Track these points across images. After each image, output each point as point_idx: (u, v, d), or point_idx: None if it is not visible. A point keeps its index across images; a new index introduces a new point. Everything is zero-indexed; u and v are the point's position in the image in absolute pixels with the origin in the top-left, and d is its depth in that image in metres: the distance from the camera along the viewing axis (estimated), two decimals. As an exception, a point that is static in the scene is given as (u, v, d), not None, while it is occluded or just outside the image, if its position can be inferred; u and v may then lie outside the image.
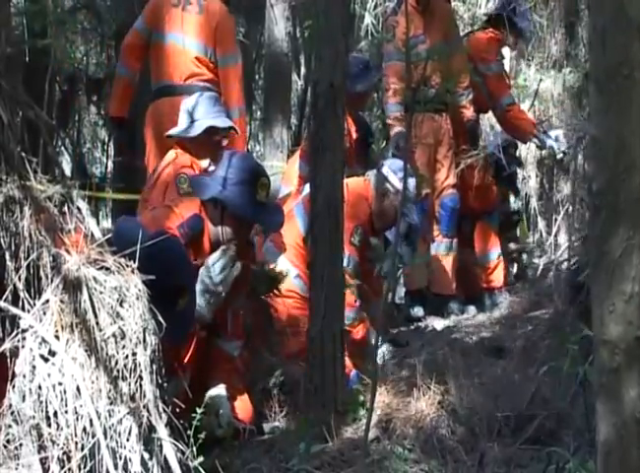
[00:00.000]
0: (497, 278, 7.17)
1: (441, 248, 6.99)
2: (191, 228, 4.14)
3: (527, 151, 9.06)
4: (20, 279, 2.80)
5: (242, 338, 4.41)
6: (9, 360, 2.72)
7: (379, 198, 5.55)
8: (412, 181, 5.50)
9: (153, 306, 2.98)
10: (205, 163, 5.18)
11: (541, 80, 8.14)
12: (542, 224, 9.70)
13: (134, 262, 2.91)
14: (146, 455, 2.70)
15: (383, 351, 5.42)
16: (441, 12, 7.01)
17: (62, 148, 11.23)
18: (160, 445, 2.74)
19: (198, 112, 5.24)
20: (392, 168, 5.59)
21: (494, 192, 7.31)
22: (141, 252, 3.04)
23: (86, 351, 2.72)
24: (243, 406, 4.23)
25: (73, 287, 2.77)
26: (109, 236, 3.19)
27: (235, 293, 4.36)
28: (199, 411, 3.25)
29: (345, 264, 5.04)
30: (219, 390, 4.11)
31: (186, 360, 3.97)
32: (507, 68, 8.67)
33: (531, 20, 7.45)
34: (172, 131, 5.28)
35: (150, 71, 6.15)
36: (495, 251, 7.22)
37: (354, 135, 6.63)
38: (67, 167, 11.30)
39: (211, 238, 4.20)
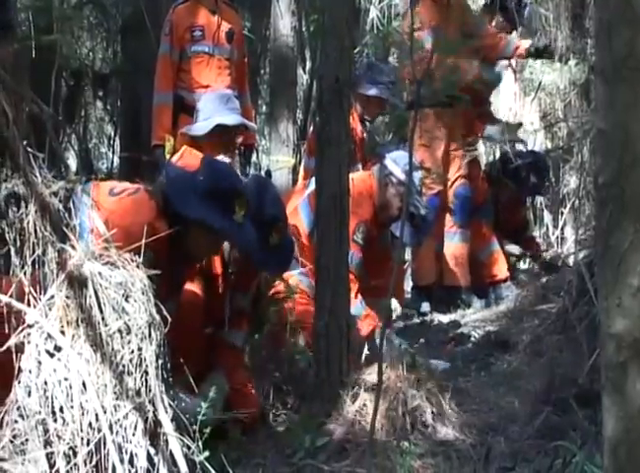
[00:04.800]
0: (500, 270, 7.15)
1: (456, 239, 6.96)
2: None
3: (533, 144, 9.04)
4: (25, 274, 2.80)
5: (246, 328, 4.41)
6: (15, 355, 2.72)
7: (382, 189, 5.54)
8: (416, 174, 5.49)
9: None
10: None
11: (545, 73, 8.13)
12: (548, 217, 9.69)
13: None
14: (152, 450, 2.71)
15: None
16: (458, 1, 6.99)
17: (68, 143, 11.22)
18: (166, 440, 2.74)
19: (208, 110, 5.21)
20: (395, 160, 5.58)
21: (485, 186, 7.31)
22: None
23: (91, 346, 2.72)
24: (248, 399, 4.22)
25: (78, 282, 2.77)
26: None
27: (241, 293, 4.35)
28: (204, 405, 3.25)
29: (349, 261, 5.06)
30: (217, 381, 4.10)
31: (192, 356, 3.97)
32: (513, 61, 8.64)
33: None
34: (185, 129, 5.25)
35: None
36: (493, 245, 7.20)
37: (360, 134, 6.63)
38: (73, 162, 11.30)
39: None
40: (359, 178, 5.47)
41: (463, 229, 6.97)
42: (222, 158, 4.99)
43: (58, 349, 2.71)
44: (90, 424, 2.65)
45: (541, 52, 7.13)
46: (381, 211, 5.56)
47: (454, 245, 6.95)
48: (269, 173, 6.22)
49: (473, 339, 5.74)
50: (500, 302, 6.90)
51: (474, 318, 6.48)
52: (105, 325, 2.75)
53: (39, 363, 2.70)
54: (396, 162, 5.55)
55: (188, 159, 5.04)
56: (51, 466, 2.63)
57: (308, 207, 5.34)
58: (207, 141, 5.09)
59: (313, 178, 4.96)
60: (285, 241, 4.24)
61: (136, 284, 2.83)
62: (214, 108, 5.19)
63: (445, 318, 6.50)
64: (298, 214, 5.40)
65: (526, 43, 7.05)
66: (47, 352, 2.71)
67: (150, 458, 2.70)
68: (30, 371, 2.69)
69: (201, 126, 5.14)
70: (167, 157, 5.89)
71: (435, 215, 6.65)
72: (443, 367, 5.01)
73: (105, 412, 2.66)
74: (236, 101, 5.41)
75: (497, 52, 7.05)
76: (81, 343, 2.72)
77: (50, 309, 2.76)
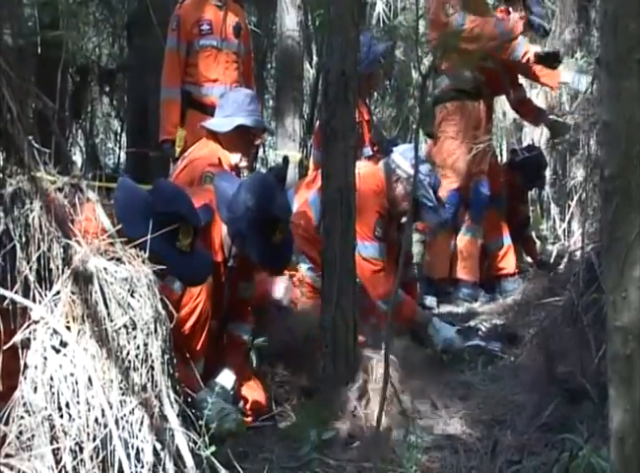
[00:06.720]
0: (508, 264, 7.13)
1: (470, 234, 6.95)
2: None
3: (539, 136, 9.02)
4: (30, 270, 2.80)
5: (251, 320, 4.39)
6: (20, 351, 2.72)
7: (391, 185, 5.53)
8: (424, 167, 5.48)
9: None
10: (235, 158, 5.16)
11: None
12: (555, 210, 9.67)
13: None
14: (158, 445, 2.70)
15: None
16: None
17: (75, 139, 11.26)
18: (172, 435, 2.74)
19: (230, 108, 5.21)
20: (402, 154, 5.57)
21: (502, 178, 7.29)
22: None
23: (97, 342, 2.72)
24: (255, 392, 4.22)
25: (84, 278, 2.76)
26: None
27: (244, 283, 4.32)
28: (210, 401, 3.25)
29: (377, 255, 5.15)
30: (226, 378, 4.09)
31: (198, 348, 3.96)
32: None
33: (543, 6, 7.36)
34: (206, 123, 5.28)
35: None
36: (505, 238, 7.18)
37: (367, 117, 6.62)
38: (80, 158, 11.33)
39: (221, 235, 4.13)
40: (369, 173, 5.44)
41: (476, 224, 6.96)
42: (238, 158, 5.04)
43: (64, 345, 2.71)
44: (96, 419, 2.64)
45: (550, 58, 7.00)
46: (391, 206, 5.55)
47: (465, 239, 6.94)
48: (286, 161, 6.21)
49: (480, 332, 5.74)
50: (507, 295, 6.89)
51: (481, 311, 6.47)
52: (111, 321, 2.74)
53: (45, 359, 2.69)
54: (403, 155, 5.54)
55: (201, 151, 5.07)
56: (57, 462, 2.62)
57: (318, 201, 5.33)
58: (226, 139, 5.12)
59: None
60: (286, 240, 4.13)
61: (141, 279, 2.83)
62: (237, 108, 5.19)
63: (452, 311, 6.50)
64: (309, 208, 5.40)
65: (534, 49, 6.97)
66: (53, 348, 2.71)
67: (156, 453, 2.70)
68: (35, 367, 2.69)
69: (222, 123, 5.17)
70: (177, 150, 5.93)
71: (455, 211, 6.66)
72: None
73: (111, 407, 2.66)
74: (258, 103, 5.43)
75: (507, 53, 6.96)
76: (86, 339, 2.72)
77: (56, 305, 2.75)
